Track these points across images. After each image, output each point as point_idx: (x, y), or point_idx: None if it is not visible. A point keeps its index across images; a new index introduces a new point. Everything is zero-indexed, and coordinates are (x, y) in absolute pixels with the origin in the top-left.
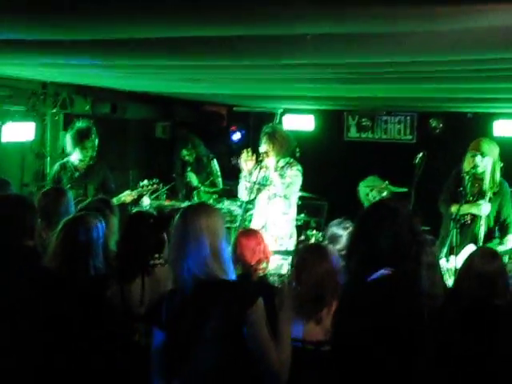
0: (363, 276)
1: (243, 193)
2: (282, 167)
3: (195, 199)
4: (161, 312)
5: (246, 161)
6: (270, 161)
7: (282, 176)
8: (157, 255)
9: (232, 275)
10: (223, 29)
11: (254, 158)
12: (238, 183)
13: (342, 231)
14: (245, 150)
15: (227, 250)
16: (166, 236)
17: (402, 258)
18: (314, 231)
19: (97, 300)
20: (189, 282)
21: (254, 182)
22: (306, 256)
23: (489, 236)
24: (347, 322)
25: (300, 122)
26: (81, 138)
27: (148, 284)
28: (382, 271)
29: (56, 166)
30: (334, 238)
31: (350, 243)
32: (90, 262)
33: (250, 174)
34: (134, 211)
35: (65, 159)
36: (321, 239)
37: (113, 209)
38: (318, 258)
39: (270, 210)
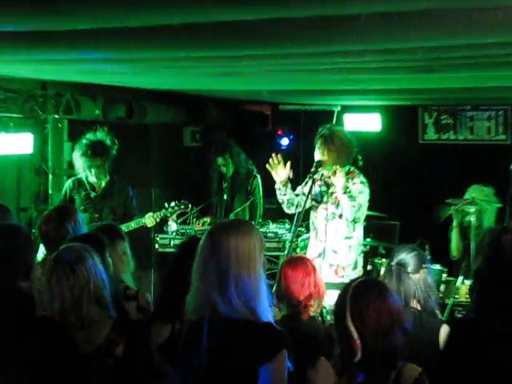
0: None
1: (284, 207)
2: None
3: None
4: (175, 348)
5: (274, 169)
6: (338, 180)
7: (351, 198)
8: None
9: (265, 315)
10: (262, 11)
11: (287, 165)
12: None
13: (405, 254)
14: (273, 155)
15: (262, 285)
16: None
17: None
18: (384, 259)
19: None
20: (207, 317)
21: (306, 196)
22: (362, 292)
23: None
24: None
25: (363, 122)
26: (93, 155)
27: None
28: None
29: (69, 183)
30: (400, 261)
31: (483, 282)
32: (89, 306)
33: (285, 185)
34: (188, 236)
35: (80, 175)
36: None
37: (120, 236)
38: (379, 297)
39: (329, 233)
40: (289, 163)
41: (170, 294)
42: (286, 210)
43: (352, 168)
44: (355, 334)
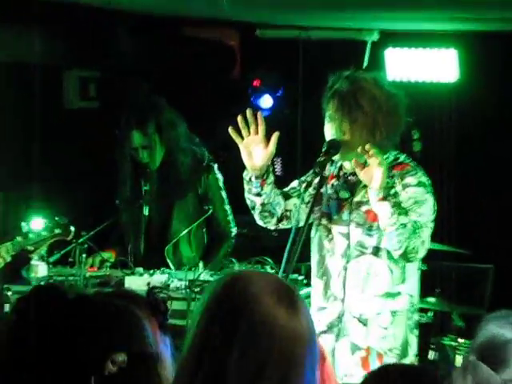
0: None
1: (256, 217)
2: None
3: (170, 262)
4: None
5: (245, 142)
6: (376, 179)
7: (400, 211)
8: None
9: None
10: None
11: (272, 137)
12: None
13: (504, 334)
14: (247, 112)
15: None
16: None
17: None
18: (461, 340)
19: None
20: None
21: (310, 207)
22: None
23: None
24: None
25: (424, 66)
26: None
27: None
28: None
29: None
30: (494, 350)
31: None
32: None
33: (262, 175)
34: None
35: None
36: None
37: None
38: None
39: (352, 283)
40: (275, 135)
41: None
42: (259, 222)
43: (402, 157)
44: None
